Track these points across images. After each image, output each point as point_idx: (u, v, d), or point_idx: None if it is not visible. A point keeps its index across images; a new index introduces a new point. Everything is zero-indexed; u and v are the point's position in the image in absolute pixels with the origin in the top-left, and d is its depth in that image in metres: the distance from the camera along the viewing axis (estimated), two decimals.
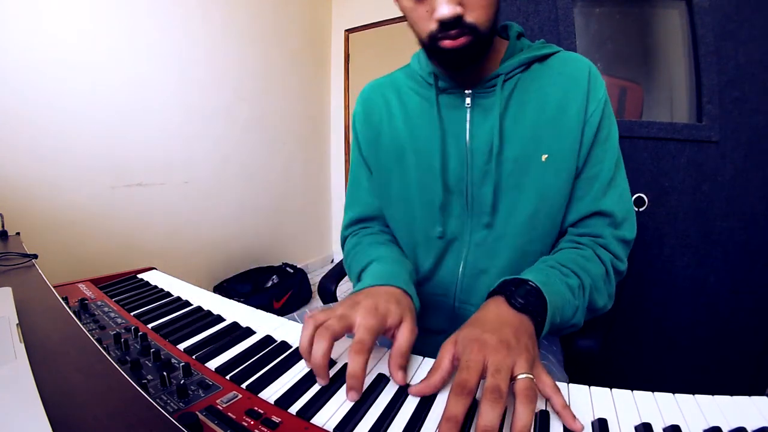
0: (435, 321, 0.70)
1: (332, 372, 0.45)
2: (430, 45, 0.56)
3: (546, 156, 0.60)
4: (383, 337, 0.50)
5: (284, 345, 0.52)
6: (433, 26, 0.53)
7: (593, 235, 0.62)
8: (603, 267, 0.60)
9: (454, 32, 0.53)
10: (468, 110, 0.63)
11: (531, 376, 0.38)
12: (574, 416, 0.37)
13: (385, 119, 0.71)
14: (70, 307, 0.52)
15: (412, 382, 0.44)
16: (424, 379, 0.42)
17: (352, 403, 0.40)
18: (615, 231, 0.61)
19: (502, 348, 0.40)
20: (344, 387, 0.42)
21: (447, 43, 0.54)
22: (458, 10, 0.51)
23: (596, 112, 0.60)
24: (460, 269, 0.66)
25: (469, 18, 0.52)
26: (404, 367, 0.45)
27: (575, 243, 0.62)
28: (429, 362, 0.49)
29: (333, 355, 0.48)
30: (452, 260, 0.67)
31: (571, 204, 0.63)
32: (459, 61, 0.57)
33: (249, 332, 0.56)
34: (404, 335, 0.47)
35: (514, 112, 0.62)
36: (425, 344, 0.73)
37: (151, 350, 0.47)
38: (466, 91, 0.63)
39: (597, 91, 0.60)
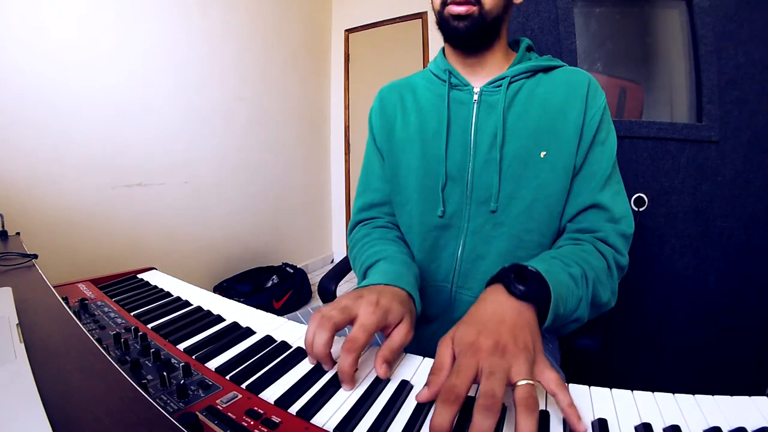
0: (430, 308, 0.72)
1: (332, 372, 0.46)
2: (440, 13, 0.65)
3: (544, 153, 0.64)
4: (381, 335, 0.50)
5: (284, 345, 0.52)
6: None
7: (591, 230, 0.64)
8: (605, 261, 0.61)
9: None
10: (475, 105, 0.68)
11: (531, 381, 0.35)
12: (580, 416, 0.35)
13: (399, 113, 0.76)
14: (70, 307, 0.52)
15: (413, 382, 0.44)
16: (427, 382, 0.39)
17: (353, 404, 0.40)
18: (614, 226, 0.63)
19: (497, 351, 0.38)
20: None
21: (453, 8, 0.62)
22: None
23: (596, 116, 0.65)
24: (459, 254, 0.69)
25: None
26: (390, 362, 0.44)
27: (574, 240, 0.64)
28: (429, 362, 0.49)
29: (335, 355, 0.49)
30: (450, 245, 0.70)
31: (570, 200, 0.66)
32: (464, 33, 0.64)
33: (249, 332, 0.56)
34: (400, 333, 0.47)
35: (517, 111, 0.66)
36: (418, 332, 0.74)
37: (151, 350, 0.47)
38: (475, 90, 0.69)
39: (597, 99, 0.66)
